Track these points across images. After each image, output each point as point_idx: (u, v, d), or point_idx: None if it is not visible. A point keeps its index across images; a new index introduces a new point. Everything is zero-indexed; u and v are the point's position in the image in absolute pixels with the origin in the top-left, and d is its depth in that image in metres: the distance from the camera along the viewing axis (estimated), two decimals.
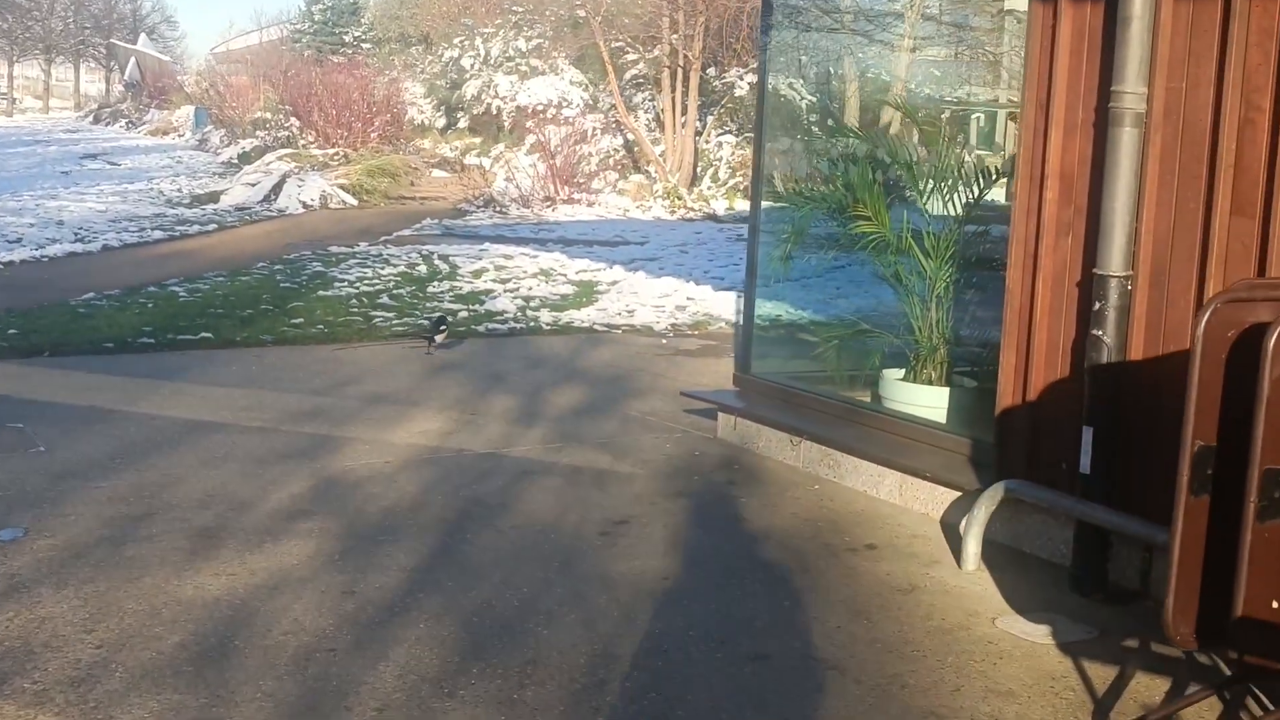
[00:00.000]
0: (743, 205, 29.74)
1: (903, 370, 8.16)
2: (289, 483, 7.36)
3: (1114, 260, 5.85)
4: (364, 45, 59.43)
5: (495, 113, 41.13)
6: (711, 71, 33.99)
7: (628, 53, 35.13)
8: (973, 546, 6.26)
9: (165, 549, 6.16)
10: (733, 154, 32.36)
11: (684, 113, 31.78)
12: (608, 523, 6.79)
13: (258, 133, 40.08)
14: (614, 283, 16.87)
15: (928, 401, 7.84)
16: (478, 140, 41.27)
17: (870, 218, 7.80)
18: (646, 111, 35.68)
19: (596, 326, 13.69)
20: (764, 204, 8.77)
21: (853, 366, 8.66)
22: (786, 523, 6.89)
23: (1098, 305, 5.88)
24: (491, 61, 42.52)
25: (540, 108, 39.20)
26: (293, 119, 38.04)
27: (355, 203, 28.33)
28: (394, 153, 35.38)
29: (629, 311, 14.56)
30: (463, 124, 43.05)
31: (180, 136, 50.84)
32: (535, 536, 6.52)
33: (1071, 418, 6.14)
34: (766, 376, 8.62)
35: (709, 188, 31.52)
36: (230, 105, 45.60)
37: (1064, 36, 6.17)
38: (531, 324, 13.60)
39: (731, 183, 31.66)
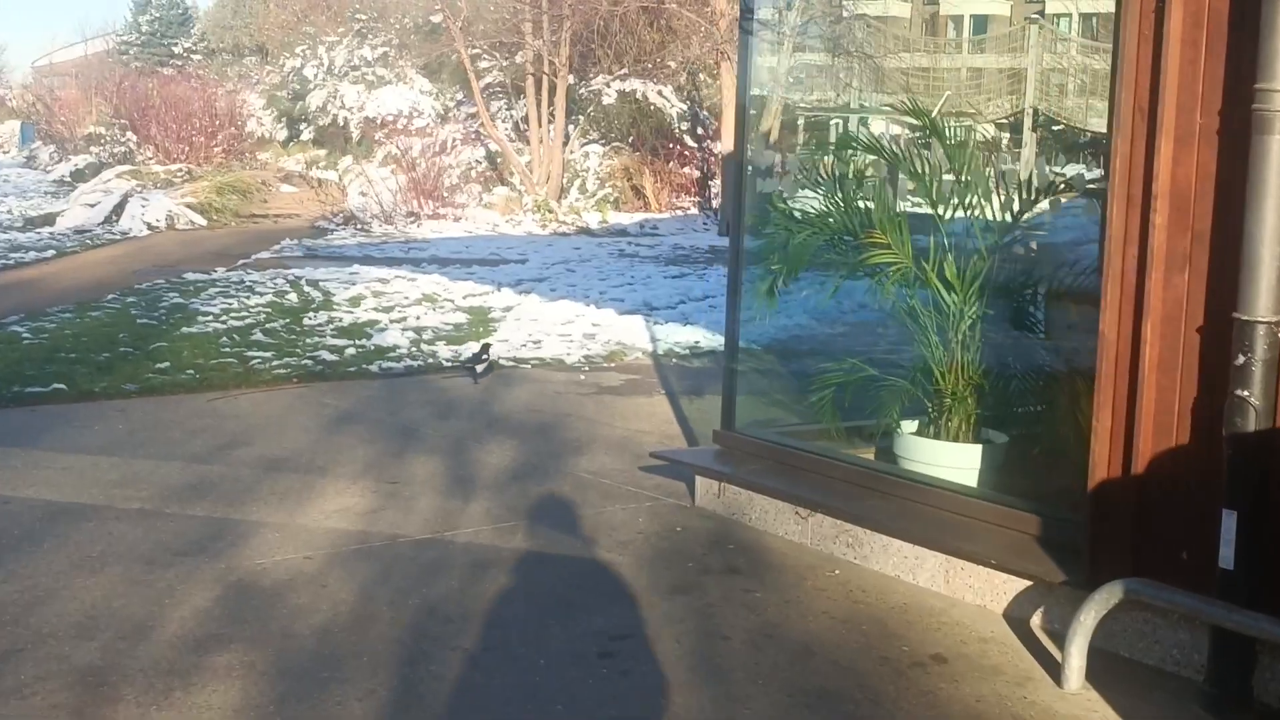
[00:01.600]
0: (617, 218, 28.53)
1: (918, 423, 6.92)
2: (191, 593, 5.86)
3: (1260, 302, 4.65)
4: (195, 57, 57.13)
5: (342, 124, 39.40)
6: (571, 80, 32.71)
7: (482, 59, 33.64)
8: (1077, 660, 5.02)
9: (41, 711, 4.64)
10: (601, 164, 31.12)
11: (550, 122, 30.41)
12: (605, 638, 5.42)
13: (91, 149, 37.77)
14: (508, 308, 15.44)
15: (953, 461, 6.61)
16: (323, 153, 39.47)
17: (888, 245, 6.53)
18: (505, 121, 34.26)
19: (502, 361, 12.25)
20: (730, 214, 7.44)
21: (855, 418, 7.40)
22: (822, 627, 5.58)
23: (1241, 359, 4.68)
24: (336, 71, 40.78)
25: (391, 118, 37.60)
26: (129, 133, 35.88)
27: (205, 223, 26.43)
28: (243, 168, 33.43)
29: (534, 342, 13.15)
30: (306, 136, 41.23)
31: (5, 153, 48.07)
32: (520, 664, 5.12)
33: (1193, 496, 4.95)
34: (758, 434, 7.30)
35: (578, 199, 30.21)
36: (60, 120, 43.16)
37: (1175, 24, 4.95)
38: (429, 360, 12.12)
39: (601, 194, 30.40)
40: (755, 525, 6.93)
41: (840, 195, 6.87)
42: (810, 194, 7.23)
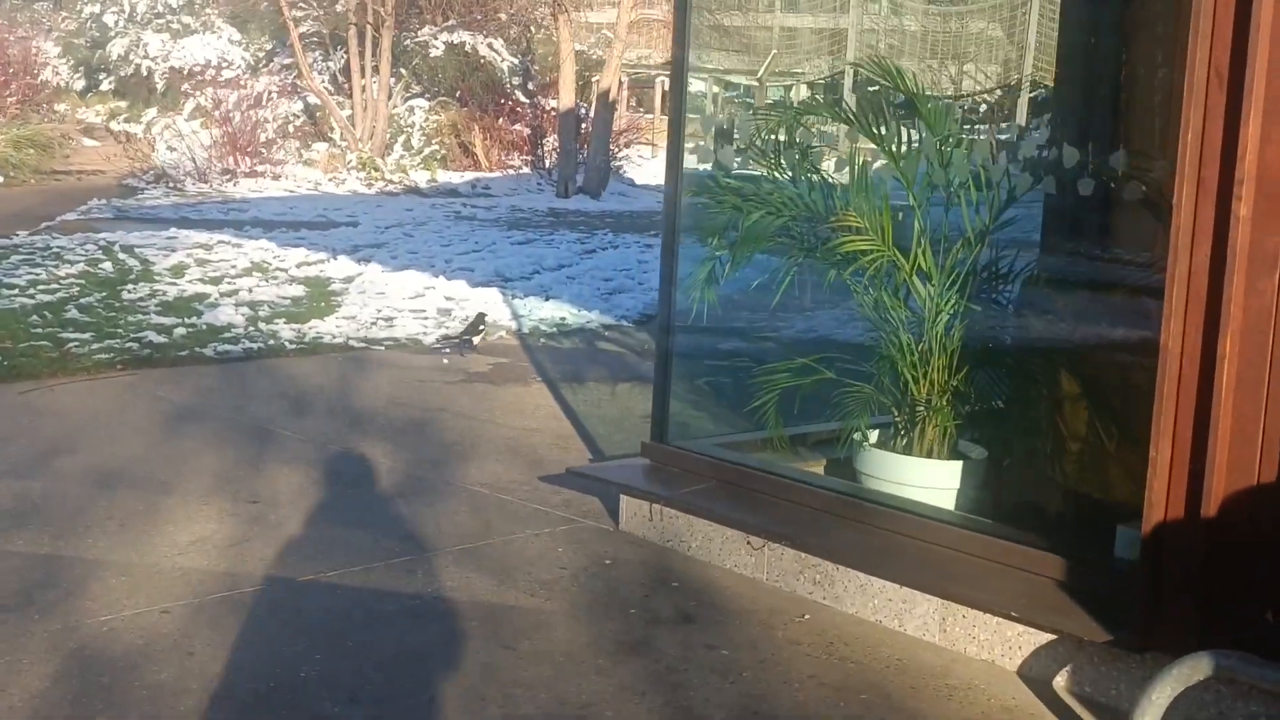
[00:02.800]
0: (446, 177, 27.24)
1: (882, 434, 5.98)
2: (18, 665, 4.63)
3: None
4: None
5: (146, 74, 37.22)
6: (395, 31, 31.13)
7: (298, 6, 31.86)
8: None
9: None
10: (426, 119, 29.69)
11: (375, 75, 28.85)
12: None
13: None
14: (348, 279, 14.15)
15: (926, 479, 5.70)
16: (124, 104, 37.24)
17: (865, 230, 5.54)
18: (321, 74, 32.54)
19: (353, 342, 11.03)
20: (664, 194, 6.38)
21: (801, 425, 6.44)
22: (815, 698, 4.60)
23: None
24: (138, 19, 38.52)
25: (198, 69, 35.62)
26: None
27: (1, 180, 24.39)
28: (40, 120, 31.17)
29: (386, 320, 11.93)
30: (106, 86, 38.87)
31: None
32: None
33: None
34: (698, 448, 6.25)
35: (403, 157, 28.77)
36: None
37: None
38: (271, 342, 10.83)
39: (428, 151, 29.01)
40: (697, 556, 5.91)
41: (802, 171, 5.85)
42: (746, 168, 6.20)
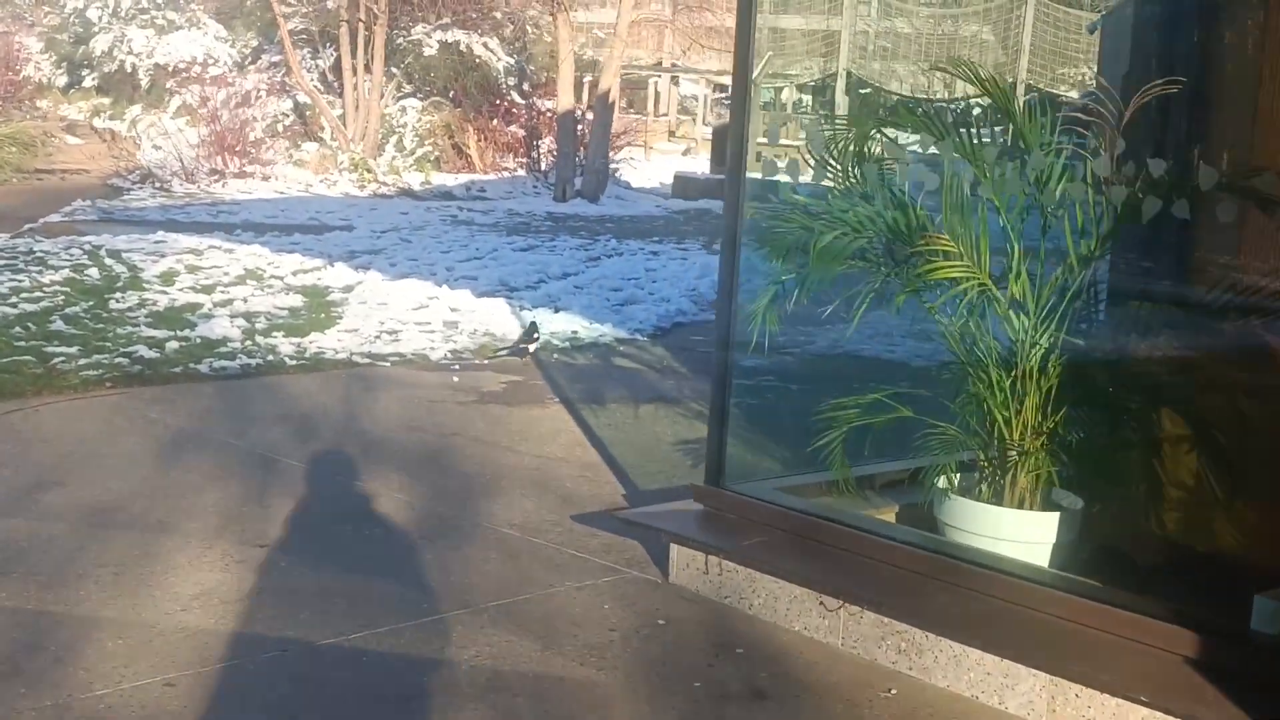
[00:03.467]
0: (440, 179, 26.63)
1: (964, 480, 5.38)
2: None
3: None
4: None
5: (130, 70, 36.49)
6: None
7: (287, 1, 31.16)
8: None
9: None
10: (419, 120, 29.03)
11: (367, 74, 28.18)
12: None
13: None
14: (348, 288, 13.51)
15: (1018, 532, 5.10)
16: (108, 101, 36.50)
17: (958, 254, 4.94)
18: (310, 72, 31.85)
19: (357, 358, 10.41)
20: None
21: (872, 464, 5.84)
22: None
23: None
24: (123, 14, 37.79)
25: (183, 65, 34.91)
26: None
27: None
28: (23, 117, 30.44)
29: (391, 334, 11.30)
30: (89, 83, 38.12)
31: None
32: None
33: None
34: (758, 493, 5.64)
35: (395, 158, 28.10)
36: None
37: None
38: (270, 358, 10.19)
39: (420, 152, 28.35)
40: (760, 615, 5.30)
41: (881, 188, 5.24)
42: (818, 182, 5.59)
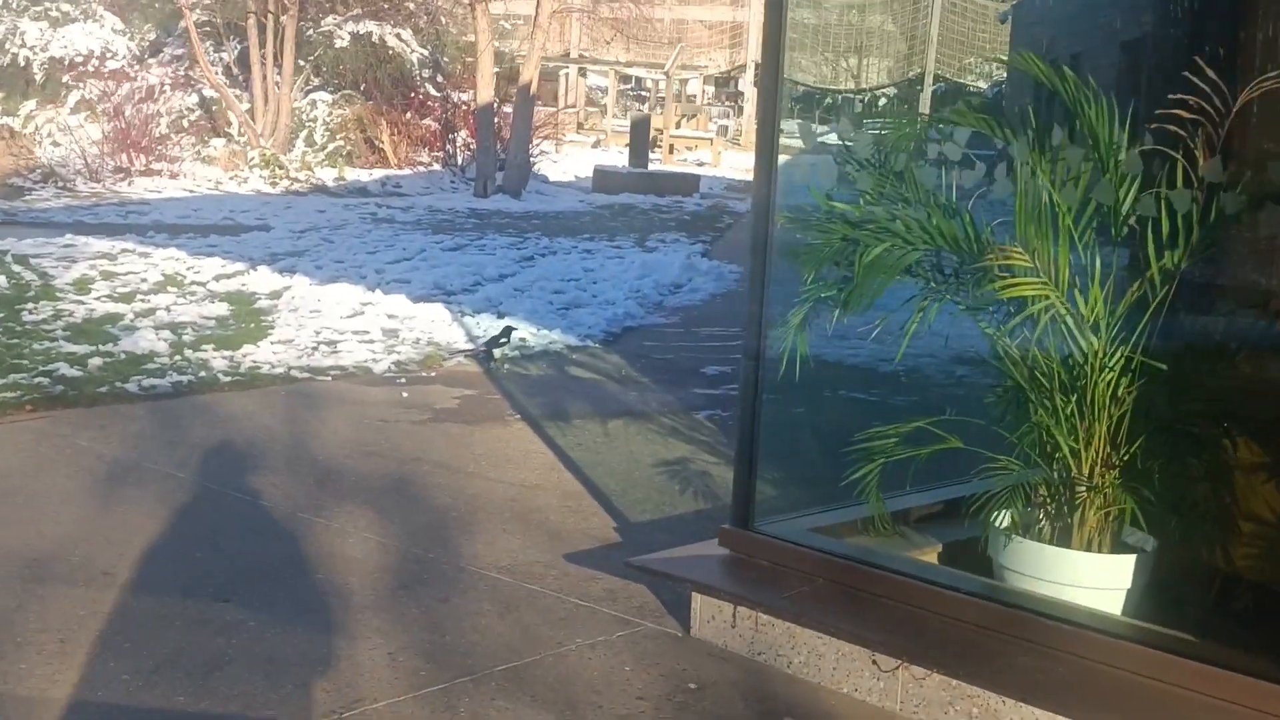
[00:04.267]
0: (354, 175, 25.81)
1: (1017, 516, 4.83)
2: None
3: None
4: None
5: (24, 64, 35.16)
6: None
7: None
8: None
9: None
10: (330, 113, 28.12)
11: (276, 67, 27.23)
12: None
13: None
14: (275, 294, 12.76)
15: (1091, 578, 4.57)
16: (0, 96, 35.18)
17: (1034, 270, 4.38)
18: (215, 65, 30.77)
19: (295, 372, 9.69)
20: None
21: (921, 503, 5.29)
22: None
23: None
24: (14, 5, 36.42)
25: (80, 59, 33.68)
26: None
27: None
28: None
29: (328, 345, 10.59)
30: None
31: None
32: None
33: None
34: (794, 535, 5.04)
35: (307, 153, 27.18)
36: None
37: None
38: (202, 374, 9.44)
39: (332, 147, 27.46)
40: (802, 675, 4.72)
41: (939, 198, 4.67)
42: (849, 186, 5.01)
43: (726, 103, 75.42)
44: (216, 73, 29.05)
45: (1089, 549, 4.64)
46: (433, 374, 9.99)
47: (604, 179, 27.69)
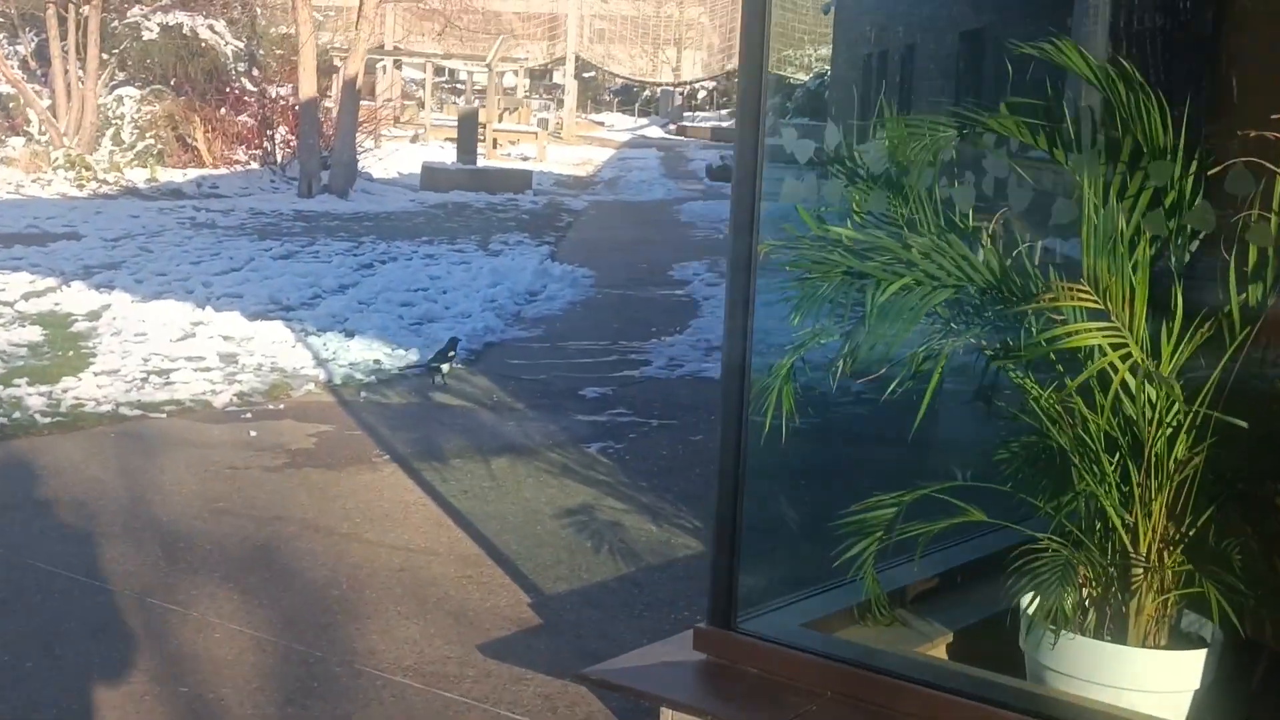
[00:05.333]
0: (167, 175, 24.26)
1: (1047, 603, 3.99)
2: None
3: None
4: None
5: None
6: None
7: None
8: None
9: None
10: (138, 110, 26.43)
11: (79, 60, 25.48)
12: None
13: None
14: (94, 315, 11.47)
15: (1155, 680, 3.76)
16: None
17: (1104, 312, 3.52)
18: (9, 58, 28.84)
19: (125, 409, 8.51)
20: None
21: (928, 586, 4.42)
22: None
23: None
24: None
25: None
26: None
27: None
28: None
29: (160, 375, 9.39)
30: None
31: None
32: None
33: None
34: (789, 637, 4.10)
35: (114, 152, 25.48)
36: None
37: None
38: (15, 415, 8.21)
39: (141, 146, 25.80)
40: None
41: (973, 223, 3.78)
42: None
43: (545, 95, 74.48)
44: (13, 67, 27.19)
45: (1146, 642, 3.82)
46: (281, 406, 8.89)
47: (433, 176, 26.53)
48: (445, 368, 9.56)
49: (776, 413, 4.08)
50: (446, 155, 33.81)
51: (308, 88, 22.75)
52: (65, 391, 8.77)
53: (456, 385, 9.70)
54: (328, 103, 27.39)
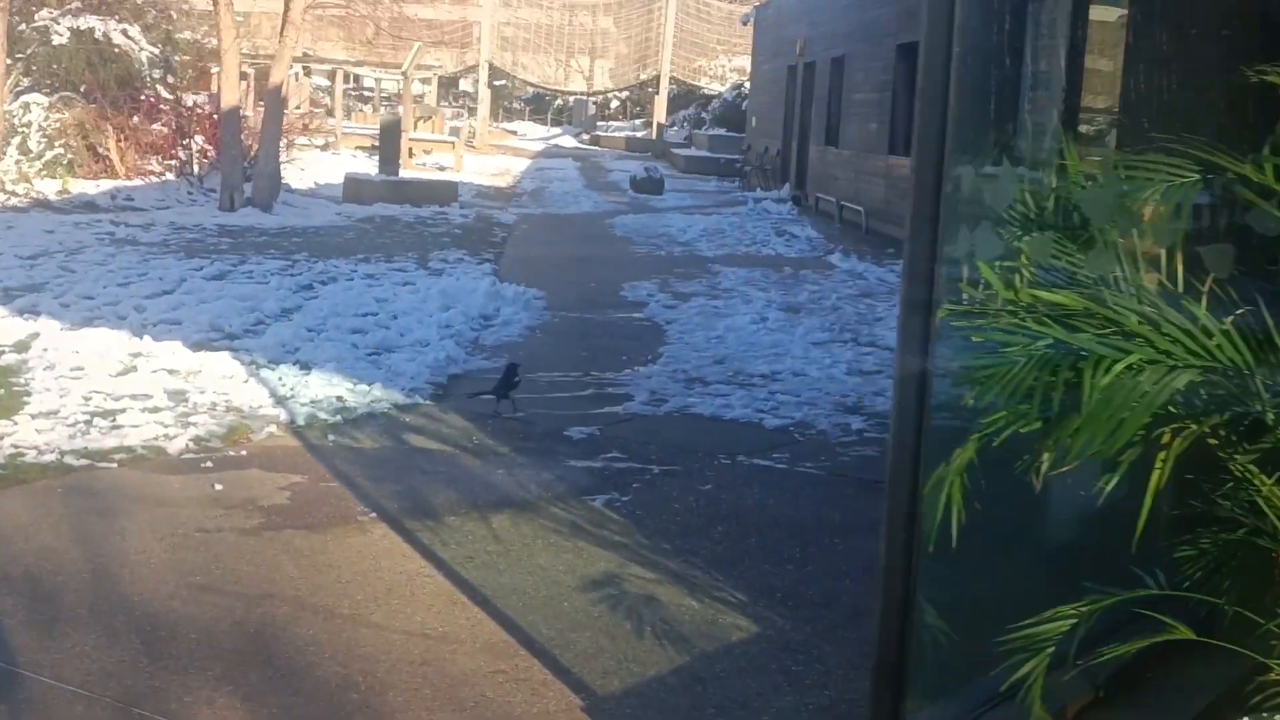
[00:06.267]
0: (79, 186, 23.13)
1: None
2: None
3: None
4: None
5: None
6: None
7: None
8: None
9: None
10: (46, 118, 25.20)
11: None
12: None
13: None
14: (21, 346, 10.51)
15: None
16: None
17: None
18: None
19: (70, 459, 7.64)
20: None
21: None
22: None
23: None
24: None
25: None
26: None
27: None
28: None
29: (105, 416, 8.51)
30: None
31: None
32: None
33: None
34: None
35: (21, 162, 24.22)
36: None
37: None
38: None
39: (50, 155, 24.57)
40: None
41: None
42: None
43: (454, 103, 73.41)
44: None
45: None
46: (243, 452, 8.06)
47: (356, 188, 25.59)
48: (511, 396, 9.25)
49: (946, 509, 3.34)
50: (361, 165, 32.89)
51: (230, 96, 21.74)
52: (2, 438, 7.87)
53: (430, 426, 8.91)
54: (244, 111, 26.34)
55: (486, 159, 46.59)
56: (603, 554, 6.44)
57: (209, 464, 7.74)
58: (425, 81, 61.61)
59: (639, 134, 62.65)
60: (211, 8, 22.58)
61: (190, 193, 23.91)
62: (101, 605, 5.53)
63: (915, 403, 3.23)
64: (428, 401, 9.54)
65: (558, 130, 70.68)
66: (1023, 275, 3.22)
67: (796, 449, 8.61)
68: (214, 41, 45.77)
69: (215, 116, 23.73)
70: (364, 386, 9.66)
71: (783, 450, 8.56)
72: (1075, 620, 3.48)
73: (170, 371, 9.79)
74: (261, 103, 33.12)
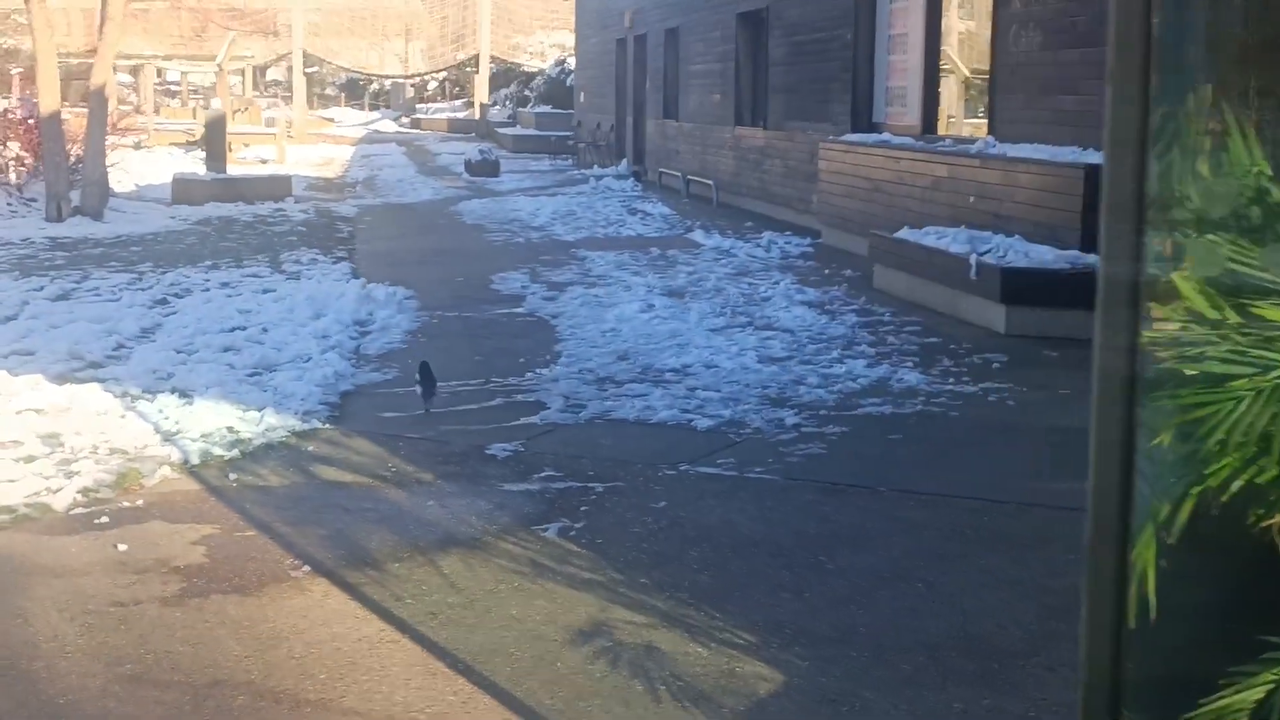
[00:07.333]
0: None
1: None
2: None
3: None
4: None
5: None
6: None
7: None
8: None
9: None
10: None
11: None
12: None
13: None
14: None
15: None
16: None
17: None
18: None
19: None
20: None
21: None
22: None
23: None
24: None
25: None
26: None
27: None
28: None
29: None
30: None
31: None
32: None
33: None
34: None
35: None
36: None
37: None
38: None
39: None
40: None
41: None
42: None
43: (267, 93, 71.39)
44: None
45: None
46: (139, 502, 7.22)
47: (186, 189, 24.40)
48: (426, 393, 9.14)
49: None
50: (181, 163, 31.58)
51: (50, 100, 20.41)
52: None
53: (338, 454, 8.16)
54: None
55: (308, 149, 45.30)
56: (578, 597, 5.79)
57: (104, 519, 6.91)
58: (238, 73, 59.81)
59: (461, 115, 61.65)
60: (18, 5, 21.20)
61: (9, 203, 22.47)
62: (20, 712, 4.73)
63: (1119, 477, 2.62)
64: (326, 425, 8.77)
65: (376, 115, 69.27)
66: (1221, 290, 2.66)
67: (738, 452, 8.05)
68: (10, 42, 43.44)
69: (30, 121, 22.33)
70: (254, 413, 8.84)
71: (724, 455, 7.99)
72: (1274, 685, 2.95)
73: (37, 411, 8.85)
74: (67, 103, 31.49)
